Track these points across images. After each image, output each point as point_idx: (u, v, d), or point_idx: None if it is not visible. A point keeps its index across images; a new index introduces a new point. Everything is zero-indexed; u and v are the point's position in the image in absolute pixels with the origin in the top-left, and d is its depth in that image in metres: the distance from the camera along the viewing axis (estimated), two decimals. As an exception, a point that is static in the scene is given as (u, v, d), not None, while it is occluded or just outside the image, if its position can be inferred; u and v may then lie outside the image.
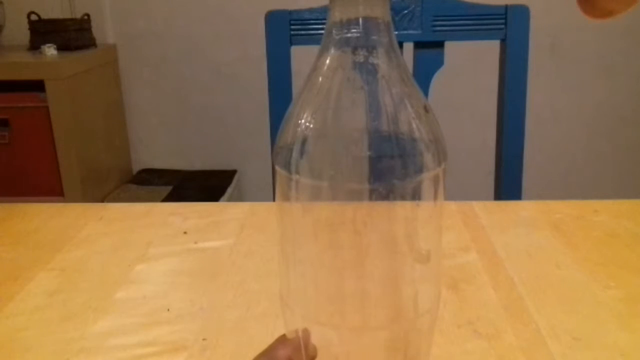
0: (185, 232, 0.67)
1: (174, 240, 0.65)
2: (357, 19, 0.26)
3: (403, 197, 0.25)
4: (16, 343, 0.48)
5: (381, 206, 0.25)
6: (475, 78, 1.86)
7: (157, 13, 2.01)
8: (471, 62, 1.78)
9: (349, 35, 0.26)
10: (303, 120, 0.26)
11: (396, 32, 0.87)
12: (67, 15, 1.98)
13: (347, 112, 0.26)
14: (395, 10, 0.92)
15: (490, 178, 1.01)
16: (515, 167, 0.95)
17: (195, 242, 0.65)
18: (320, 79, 0.26)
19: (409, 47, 0.94)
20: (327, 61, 0.26)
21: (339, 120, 0.26)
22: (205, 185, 1.98)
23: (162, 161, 2.16)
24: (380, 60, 0.26)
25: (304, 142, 0.26)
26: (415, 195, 0.26)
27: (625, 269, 0.57)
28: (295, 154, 0.26)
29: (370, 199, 0.25)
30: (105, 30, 2.01)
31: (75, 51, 1.82)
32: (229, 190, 1.95)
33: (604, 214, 0.69)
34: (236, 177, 2.06)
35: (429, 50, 0.95)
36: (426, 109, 0.26)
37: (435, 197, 0.26)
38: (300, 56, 0.97)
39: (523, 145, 0.95)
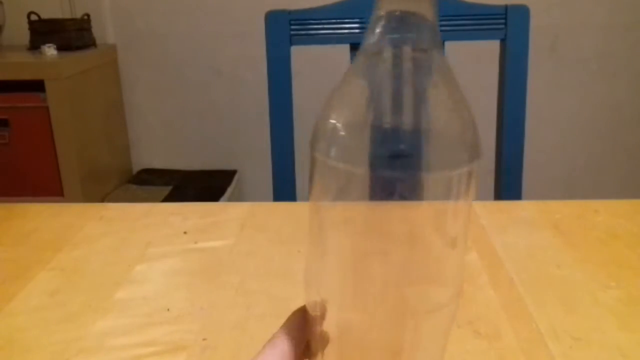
0: (185, 232, 0.67)
1: (174, 240, 0.65)
2: (402, 14, 0.26)
3: (435, 192, 0.26)
4: (16, 343, 0.48)
5: (413, 199, 0.26)
6: (475, 78, 1.85)
7: (157, 13, 2.01)
8: (471, 62, 1.78)
9: (392, 29, 0.26)
10: (342, 111, 0.27)
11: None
12: (67, 15, 1.98)
13: (385, 105, 0.27)
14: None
15: (490, 178, 1.01)
16: (515, 167, 0.95)
17: (195, 242, 0.65)
18: (361, 70, 0.27)
19: (409, 47, 0.94)
20: (369, 54, 0.27)
21: (377, 113, 0.26)
22: (205, 185, 1.98)
23: (162, 161, 2.16)
24: (422, 55, 0.26)
25: (340, 131, 0.26)
26: (447, 190, 0.26)
27: (625, 269, 0.57)
28: (331, 143, 0.26)
29: (403, 191, 0.25)
30: (105, 30, 2.01)
31: (75, 51, 1.82)
32: (229, 190, 1.95)
33: (604, 214, 0.69)
34: (236, 177, 2.06)
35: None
36: (464, 105, 0.27)
37: (466, 194, 0.26)
38: (300, 56, 0.97)
39: (523, 145, 0.95)
